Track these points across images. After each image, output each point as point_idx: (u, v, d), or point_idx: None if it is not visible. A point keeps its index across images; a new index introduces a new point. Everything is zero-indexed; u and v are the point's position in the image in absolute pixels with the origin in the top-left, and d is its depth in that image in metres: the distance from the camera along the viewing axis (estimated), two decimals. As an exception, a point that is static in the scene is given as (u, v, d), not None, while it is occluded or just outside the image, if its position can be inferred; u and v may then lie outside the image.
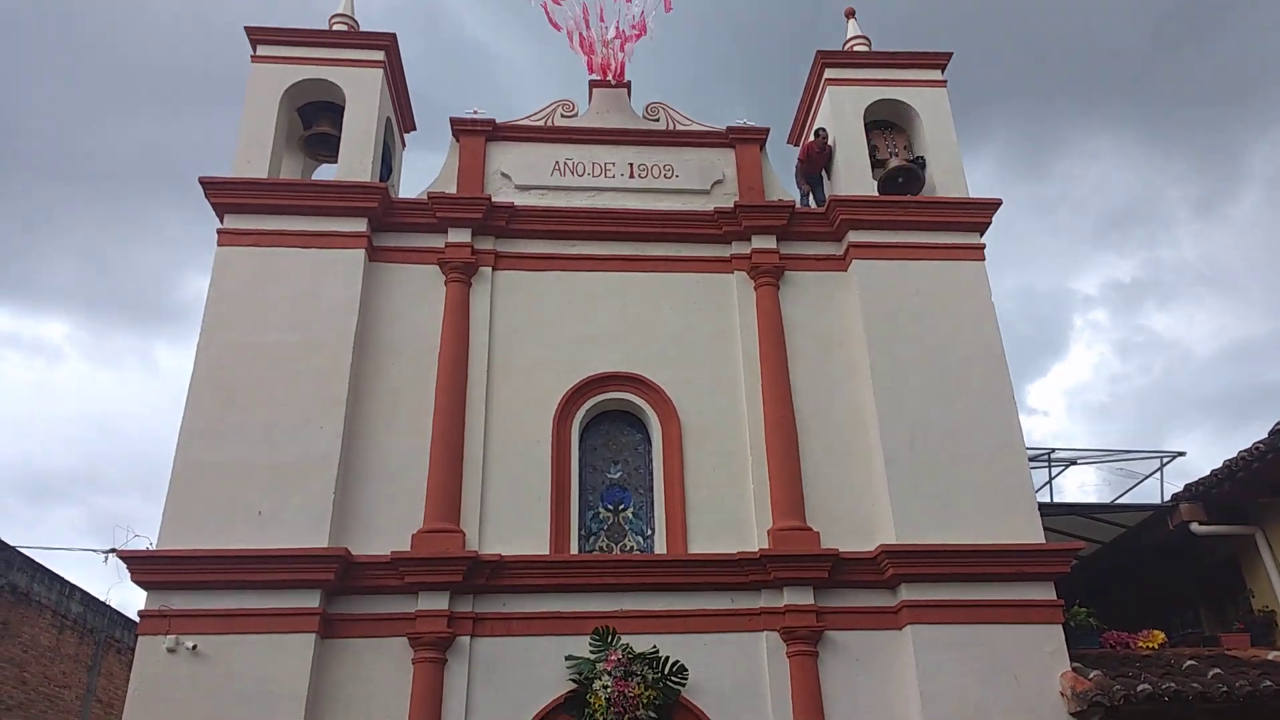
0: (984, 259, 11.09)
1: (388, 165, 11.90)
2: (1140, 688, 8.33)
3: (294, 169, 11.87)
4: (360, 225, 10.53)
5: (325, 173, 12.16)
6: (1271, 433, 9.78)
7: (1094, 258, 46.85)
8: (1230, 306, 44.47)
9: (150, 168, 41.71)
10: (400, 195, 11.77)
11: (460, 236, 10.77)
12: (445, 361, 10.10)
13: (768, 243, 11.04)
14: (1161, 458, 12.06)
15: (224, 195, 10.47)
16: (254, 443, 9.29)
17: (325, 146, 11.73)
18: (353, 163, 10.97)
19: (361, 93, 11.40)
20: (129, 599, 27.39)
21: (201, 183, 10.44)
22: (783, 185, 11.83)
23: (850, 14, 13.18)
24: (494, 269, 10.78)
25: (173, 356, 46.23)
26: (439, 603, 8.85)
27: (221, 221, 10.47)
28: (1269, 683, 8.53)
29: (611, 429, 10.52)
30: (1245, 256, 44.35)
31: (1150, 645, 9.87)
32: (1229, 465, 10.24)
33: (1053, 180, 45.71)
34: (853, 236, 11.00)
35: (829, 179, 12.01)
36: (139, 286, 44.10)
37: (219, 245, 10.34)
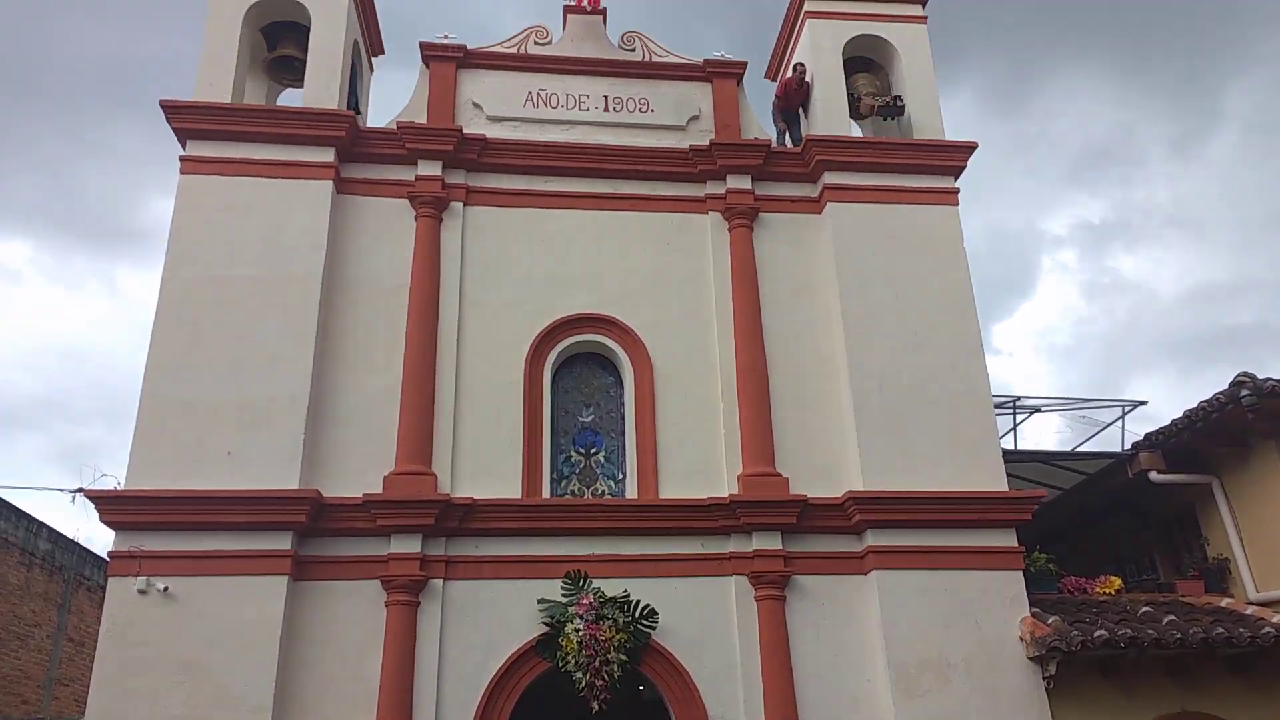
0: (958, 204, 11.06)
1: (355, 91, 11.47)
2: (1097, 634, 8.62)
3: (258, 93, 11.40)
4: (328, 155, 10.19)
5: (291, 98, 11.71)
6: (1231, 384, 9.97)
7: (1066, 197, 47.15)
8: (1197, 249, 45.14)
9: (111, 84, 40.06)
10: (369, 123, 11.36)
11: (431, 169, 10.48)
12: (416, 299, 9.92)
13: (743, 183, 10.89)
14: (1123, 406, 12.30)
15: (186, 120, 10.05)
16: (222, 380, 9.11)
17: (290, 70, 11.27)
18: (319, 88, 10.55)
19: (327, 13, 10.91)
20: (98, 535, 27.27)
21: (162, 106, 10.00)
22: (759, 123, 11.62)
23: (834, -55, 12.76)
24: (465, 204, 10.53)
25: (136, 281, 45.21)
26: (411, 545, 8.86)
27: (184, 148, 10.07)
28: (1221, 629, 8.86)
29: (584, 371, 10.46)
30: (1216, 198, 44.85)
31: (1107, 591, 10.20)
32: (1189, 415, 10.45)
33: (1030, 118, 45.66)
34: (828, 178, 10.88)
35: (806, 117, 11.82)
36: (101, 207, 42.78)
37: (181, 173, 9.96)
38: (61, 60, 38.55)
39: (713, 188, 10.93)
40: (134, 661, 8.07)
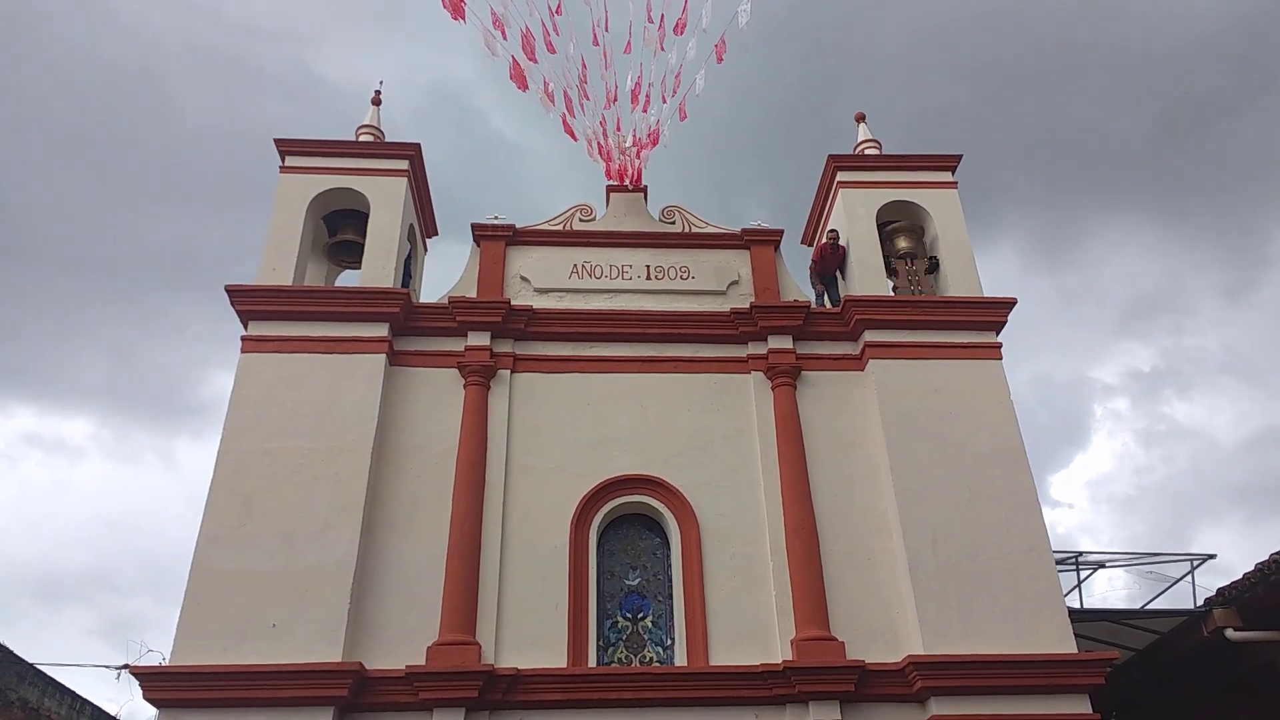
0: (1001, 357, 11.09)
1: (409, 270, 12.10)
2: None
3: (318, 275, 12.09)
4: (382, 330, 10.65)
5: (348, 278, 12.36)
6: (1304, 535, 9.55)
7: (1113, 346, 46.77)
8: (1253, 394, 44.05)
9: (176, 267, 42.59)
10: (422, 298, 11.92)
11: (480, 340, 10.88)
12: (463, 465, 10.09)
13: (784, 343, 11.09)
14: (1192, 560, 11.78)
15: (249, 303, 10.64)
16: (271, 550, 9.24)
17: (349, 253, 11.96)
18: (375, 269, 11.16)
19: (385, 200, 11.67)
20: (141, 710, 26.94)
21: (228, 290, 10.62)
22: (798, 285, 11.94)
23: (860, 118, 13.49)
24: (512, 371, 10.85)
25: (192, 455, 46.32)
26: (454, 719, 8.64)
27: (245, 328, 10.62)
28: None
29: (630, 533, 10.41)
30: (1269, 342, 44.11)
31: (1193, 763, 9.49)
32: (1261, 568, 9.96)
33: (1074, 271, 45.93)
34: (868, 336, 11.04)
35: (843, 279, 12.11)
36: (162, 385, 44.55)
37: (243, 352, 10.47)
38: (129, 245, 41.23)
39: (754, 348, 11.14)
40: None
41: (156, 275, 42.31)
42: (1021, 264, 47.25)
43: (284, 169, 11.78)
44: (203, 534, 9.30)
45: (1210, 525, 42.26)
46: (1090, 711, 8.95)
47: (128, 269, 41.50)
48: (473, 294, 11.29)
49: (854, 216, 12.09)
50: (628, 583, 10.15)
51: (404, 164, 11.93)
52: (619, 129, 12.71)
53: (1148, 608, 11.63)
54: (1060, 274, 46.55)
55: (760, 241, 12.08)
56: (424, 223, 13.03)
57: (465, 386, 10.64)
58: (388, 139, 12.57)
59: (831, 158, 12.55)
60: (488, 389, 10.67)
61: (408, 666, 8.79)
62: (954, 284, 11.66)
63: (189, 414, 44.13)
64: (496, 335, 10.95)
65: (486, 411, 10.51)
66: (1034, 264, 47.83)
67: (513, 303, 11.11)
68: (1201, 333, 44.65)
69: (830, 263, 12.10)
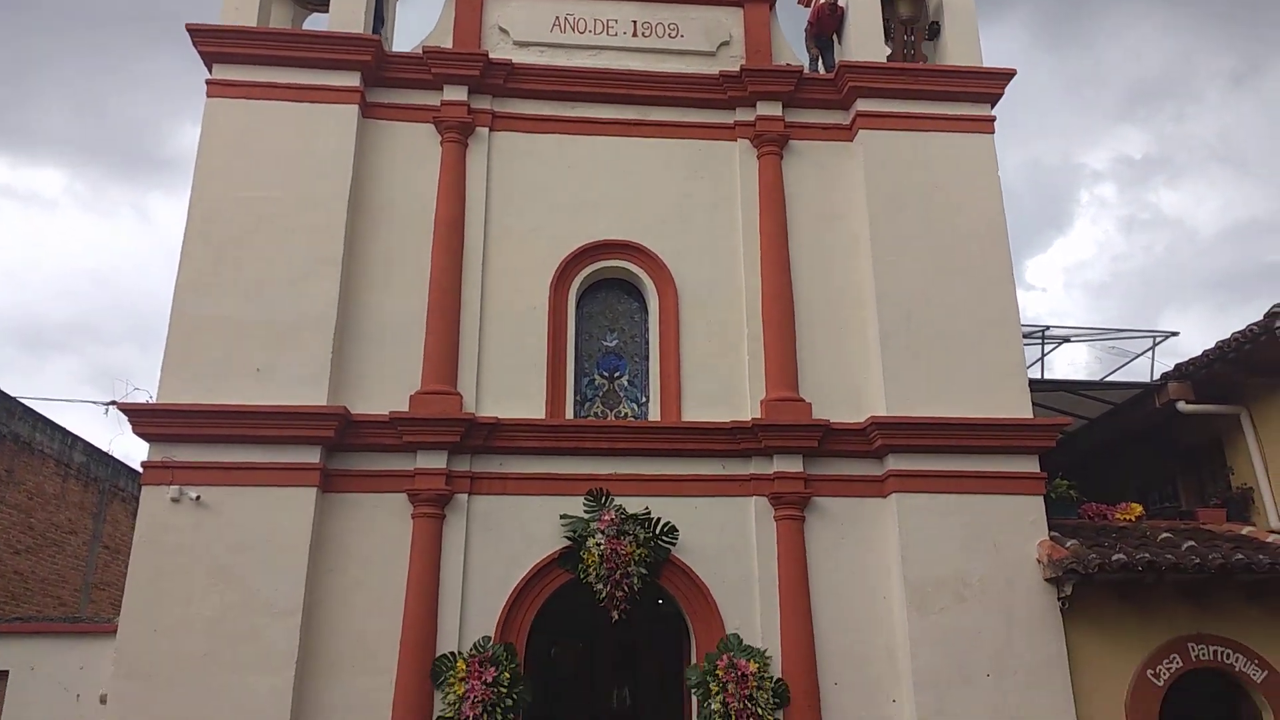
0: (993, 132, 10.85)
1: (380, 15, 11.43)
2: (1115, 557, 8.63)
3: (284, 18, 11.38)
4: (353, 79, 10.19)
5: (316, 22, 11.68)
6: (1266, 315, 9.81)
7: (1109, 131, 45.94)
8: (1240, 184, 43.88)
9: (143, 14, 40.14)
10: (394, 48, 11.34)
11: (456, 94, 10.45)
12: (441, 224, 9.97)
13: (773, 109, 10.75)
14: (1154, 337, 12.13)
15: (212, 44, 10.09)
16: (249, 299, 9.25)
17: (316, -4, 11.24)
18: (344, 13, 10.52)
19: (353, -64, 10.83)
20: (131, 449, 27.98)
21: (189, 30, 10.04)
22: (792, 49, 11.41)
23: None
24: (491, 129, 10.51)
25: (167, 208, 45.67)
26: (437, 461, 9.04)
27: (210, 72, 10.14)
28: (1241, 555, 8.82)
29: (608, 297, 10.50)
30: (1266, 132, 43.41)
31: (1127, 518, 10.19)
32: (1221, 346, 10.31)
33: (1080, 48, 44.27)
34: (861, 105, 10.71)
35: (839, 44, 11.60)
36: (134, 138, 43.15)
37: (208, 96, 10.03)
38: (91, -8, 38.72)
39: (742, 114, 10.80)
40: (168, 566, 8.37)
41: (123, 23, 40.07)
42: (1029, 40, 45.49)
43: (243, -103, 10.81)
44: (180, 280, 9.28)
45: (1179, 313, 43.40)
46: (1038, 471, 9.49)
47: (94, 16, 39.19)
48: (448, 44, 10.71)
49: (855, -26, 11.40)
50: (605, 344, 10.35)
51: (373, -106, 10.98)
52: None
53: (1106, 380, 12.09)
54: (1066, 52, 44.92)
55: (754, -1, 11.44)
56: (396, -36, 12.18)
57: (442, 143, 10.33)
58: None
59: (834, -95, 11.66)
60: (465, 146, 10.37)
61: (391, 412, 9.09)
62: (953, 53, 11.20)
63: (162, 168, 43.23)
64: (474, 90, 10.50)
65: (464, 170, 10.25)
66: (1041, 40, 46.07)
67: (491, 56, 10.60)
68: (1201, 119, 43.87)
69: (827, 25, 11.52)
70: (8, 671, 8.60)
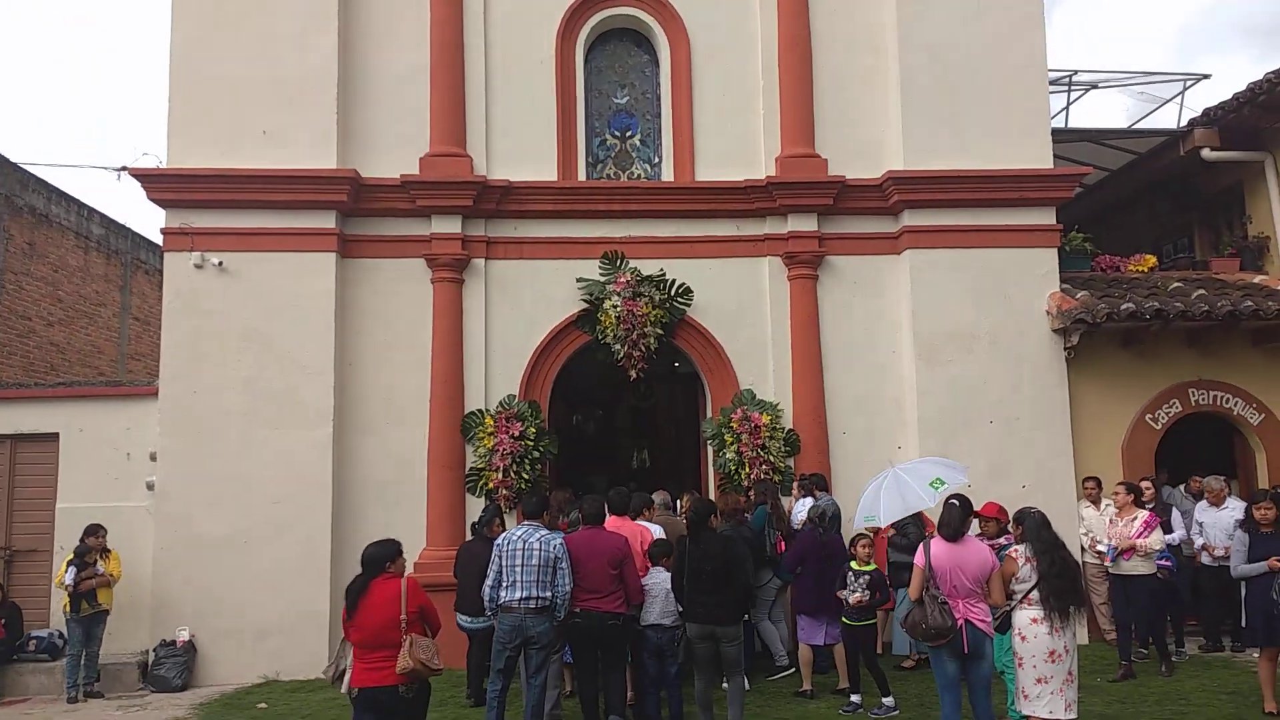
0: None
1: None
2: (1123, 306, 8.75)
3: None
4: None
5: None
6: (1304, 56, 9.33)
7: None
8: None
9: None
10: None
11: None
12: (437, -32, 9.39)
13: None
14: (1185, 80, 11.57)
15: None
16: (249, 56, 8.95)
17: None
18: None
19: None
20: (148, 225, 27.89)
21: None
22: None
23: None
24: None
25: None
26: (452, 226, 9.07)
27: None
28: (1250, 303, 8.89)
29: (618, 49, 10.07)
30: None
31: (1140, 269, 10.22)
32: (1251, 88, 9.89)
33: None
34: None
35: None
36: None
37: None
38: None
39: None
40: (200, 329, 8.64)
41: None
42: None
43: None
44: (175, 39, 8.94)
45: (1220, 60, 41.24)
46: (1054, 223, 9.43)
47: None
48: None
49: None
50: (616, 101, 10.04)
51: None
52: None
53: (1133, 128, 11.69)
54: None
55: None
56: None
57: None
58: None
59: None
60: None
61: (403, 175, 9.00)
62: None
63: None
64: None
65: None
66: None
67: None
68: None
69: None
70: (58, 433, 9.03)
